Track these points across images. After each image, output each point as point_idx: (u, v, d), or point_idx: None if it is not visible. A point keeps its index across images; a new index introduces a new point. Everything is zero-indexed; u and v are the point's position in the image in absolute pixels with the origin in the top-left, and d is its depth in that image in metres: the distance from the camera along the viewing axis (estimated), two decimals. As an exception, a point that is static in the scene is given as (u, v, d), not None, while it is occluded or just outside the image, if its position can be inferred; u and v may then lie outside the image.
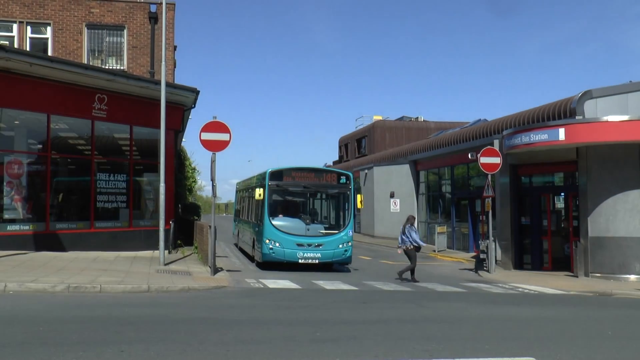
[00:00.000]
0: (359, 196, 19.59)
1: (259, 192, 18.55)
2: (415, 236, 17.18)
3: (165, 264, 16.13)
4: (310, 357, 6.66)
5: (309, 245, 18.38)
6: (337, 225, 19.71)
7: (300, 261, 18.23)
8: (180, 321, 8.64)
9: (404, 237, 17.24)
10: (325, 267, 18.99)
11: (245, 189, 25.57)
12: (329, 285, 14.76)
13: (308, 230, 18.73)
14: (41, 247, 17.09)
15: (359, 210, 20.13)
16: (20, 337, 6.97)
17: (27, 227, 17.24)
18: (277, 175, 19.00)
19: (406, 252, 17.19)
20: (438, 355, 7.02)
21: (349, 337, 7.94)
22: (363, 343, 7.54)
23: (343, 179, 19.47)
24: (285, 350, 6.91)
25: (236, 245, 27.52)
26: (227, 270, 16.70)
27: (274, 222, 18.49)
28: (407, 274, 17.03)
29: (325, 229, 19.34)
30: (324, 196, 21.32)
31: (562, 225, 21.37)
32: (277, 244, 18.21)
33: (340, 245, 18.69)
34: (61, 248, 17.54)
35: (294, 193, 19.87)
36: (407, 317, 10.20)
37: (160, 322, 8.49)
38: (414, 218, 18.12)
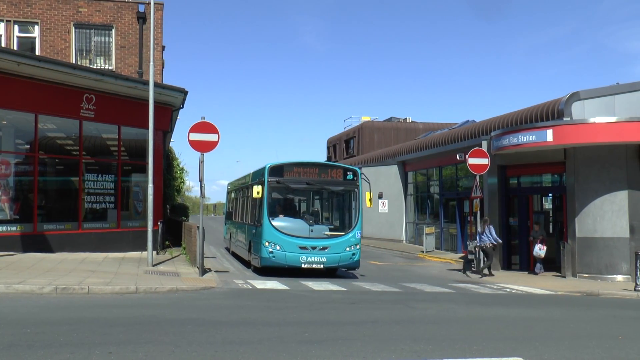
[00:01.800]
0: (367, 194, 18.00)
1: (257, 190, 16.79)
2: (495, 235, 19.39)
3: (154, 265, 16.08)
4: (298, 357, 6.66)
5: (313, 248, 16.72)
6: (344, 226, 17.99)
7: (303, 266, 16.60)
8: (168, 322, 8.63)
9: (483, 236, 19.41)
10: (329, 272, 17.86)
11: (238, 189, 23.74)
12: (317, 286, 14.76)
13: (312, 231, 17.03)
14: (29, 249, 16.98)
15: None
16: (7, 340, 6.92)
17: (14, 228, 17.12)
18: (277, 170, 17.30)
19: (484, 249, 19.37)
20: (426, 355, 7.05)
21: (337, 337, 7.95)
22: (351, 344, 7.55)
23: (350, 175, 17.81)
24: (273, 351, 6.91)
25: (228, 249, 25.69)
26: (216, 271, 16.67)
27: (274, 223, 16.79)
28: (486, 270, 19.29)
29: (331, 230, 17.64)
30: (329, 194, 19.12)
31: (535, 229, 20.34)
32: (278, 247, 16.54)
33: (348, 249, 17.07)
34: (49, 249, 17.44)
35: (296, 190, 18.06)
36: (395, 318, 10.23)
37: (148, 323, 8.47)
38: (489, 219, 20.00)
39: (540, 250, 19.81)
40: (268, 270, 16.92)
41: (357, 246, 17.32)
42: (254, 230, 18.05)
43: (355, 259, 17.30)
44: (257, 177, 18.67)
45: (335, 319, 9.83)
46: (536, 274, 19.77)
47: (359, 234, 17.48)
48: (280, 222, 17.05)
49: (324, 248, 16.84)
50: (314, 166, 17.94)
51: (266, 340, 7.60)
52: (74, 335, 7.38)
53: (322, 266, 16.83)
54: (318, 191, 18.72)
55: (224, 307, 10.87)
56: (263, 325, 8.78)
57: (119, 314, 9.33)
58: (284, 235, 16.69)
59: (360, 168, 19.29)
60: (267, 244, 16.65)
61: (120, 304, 10.38)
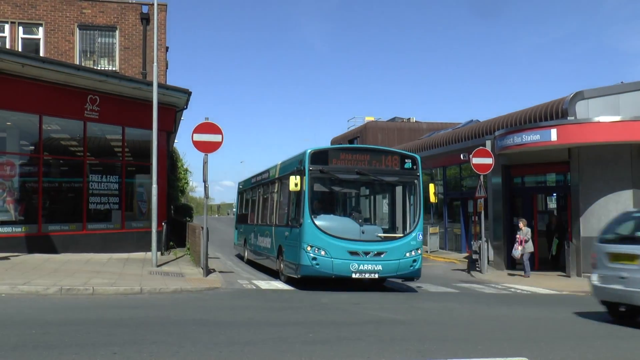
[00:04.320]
0: (431, 186, 15.25)
1: (294, 182, 13.64)
2: None
3: (158, 266, 16.09)
4: (302, 358, 6.66)
5: (366, 253, 13.70)
6: (402, 226, 15.03)
7: (354, 276, 13.59)
8: (172, 323, 8.63)
9: None
10: (376, 284, 15.08)
11: (257, 186, 20.28)
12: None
13: (363, 233, 14.12)
14: (33, 249, 17.01)
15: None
16: (13, 340, 6.94)
17: (19, 229, 17.16)
18: (320, 157, 14.18)
19: None
20: (431, 355, 7.03)
21: (342, 338, 7.94)
22: (356, 344, 7.54)
23: (409, 163, 14.78)
24: (277, 352, 6.91)
25: (241, 257, 22.51)
26: (220, 272, 16.67)
27: (317, 222, 13.75)
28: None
29: (385, 231, 14.93)
30: (382, 186, 15.85)
31: (520, 226, 19.32)
32: (323, 253, 13.48)
33: (408, 254, 14.07)
34: (53, 250, 17.47)
35: (343, 182, 14.98)
36: (399, 318, 10.21)
37: (152, 324, 8.48)
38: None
39: (515, 250, 19.11)
40: (308, 282, 14.31)
41: (419, 251, 14.41)
42: (287, 233, 15.07)
43: (417, 267, 14.30)
44: (292, 166, 15.32)
45: (339, 319, 9.83)
46: (527, 277, 18.80)
47: (420, 236, 14.59)
48: (325, 221, 14.06)
49: (379, 253, 13.84)
50: (364, 152, 15.04)
51: (270, 340, 7.59)
52: (79, 335, 7.40)
53: (376, 276, 13.86)
54: (369, 183, 15.49)
55: (228, 307, 10.88)
56: (267, 325, 8.78)
57: (124, 314, 9.34)
58: (330, 238, 13.67)
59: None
60: (308, 248, 13.56)
61: (125, 305, 10.39)
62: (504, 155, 20.77)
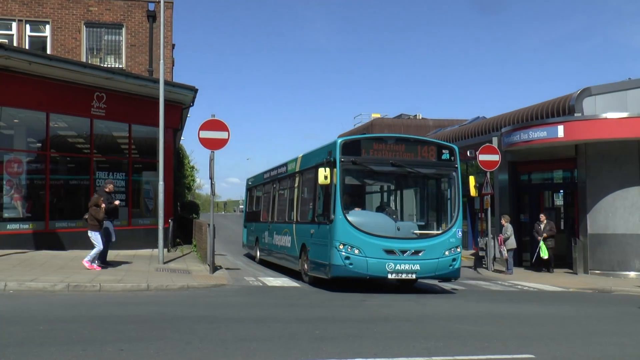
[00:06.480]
0: (471, 179, 14.34)
1: (323, 174, 12.54)
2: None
3: (165, 263, 16.13)
4: (309, 355, 6.66)
5: (403, 252, 12.59)
6: (439, 223, 14.01)
7: (390, 276, 12.62)
8: (179, 319, 8.65)
9: None
10: (405, 285, 14.20)
11: (272, 181, 18.91)
12: (328, 283, 14.73)
13: (399, 229, 12.99)
14: (41, 246, 17.08)
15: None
16: (20, 337, 6.98)
17: (26, 226, 17.25)
18: (351, 147, 13.05)
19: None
20: (437, 353, 7.03)
21: (348, 335, 7.94)
22: (362, 341, 7.54)
23: (446, 154, 13.70)
24: (284, 348, 6.92)
25: (252, 257, 20.82)
26: (226, 269, 16.69)
27: (350, 218, 12.57)
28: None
29: (421, 227, 13.79)
30: (418, 179, 14.61)
31: (502, 223, 19.25)
32: (357, 251, 12.35)
33: (447, 252, 13.03)
34: (61, 247, 17.54)
35: (377, 175, 13.98)
36: (406, 315, 10.21)
37: (159, 321, 8.50)
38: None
39: (502, 251, 18.88)
40: (317, 280, 13.66)
41: (458, 249, 13.35)
42: (313, 230, 13.87)
43: (456, 266, 13.27)
44: (318, 158, 14.12)
45: (345, 316, 9.83)
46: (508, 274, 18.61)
47: (460, 233, 13.49)
48: (358, 217, 12.92)
49: (416, 252, 12.74)
50: (399, 141, 13.70)
51: (277, 337, 7.60)
52: (86, 332, 7.43)
53: (414, 276, 12.81)
54: (404, 175, 14.19)
55: (235, 304, 10.89)
56: (274, 322, 8.79)
57: (131, 311, 9.37)
58: (364, 235, 12.52)
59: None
60: (341, 246, 12.40)
61: (132, 301, 10.43)
62: (510, 152, 20.73)
